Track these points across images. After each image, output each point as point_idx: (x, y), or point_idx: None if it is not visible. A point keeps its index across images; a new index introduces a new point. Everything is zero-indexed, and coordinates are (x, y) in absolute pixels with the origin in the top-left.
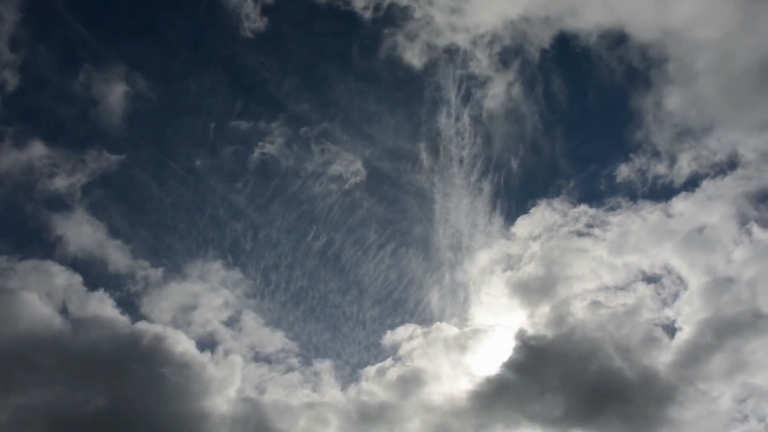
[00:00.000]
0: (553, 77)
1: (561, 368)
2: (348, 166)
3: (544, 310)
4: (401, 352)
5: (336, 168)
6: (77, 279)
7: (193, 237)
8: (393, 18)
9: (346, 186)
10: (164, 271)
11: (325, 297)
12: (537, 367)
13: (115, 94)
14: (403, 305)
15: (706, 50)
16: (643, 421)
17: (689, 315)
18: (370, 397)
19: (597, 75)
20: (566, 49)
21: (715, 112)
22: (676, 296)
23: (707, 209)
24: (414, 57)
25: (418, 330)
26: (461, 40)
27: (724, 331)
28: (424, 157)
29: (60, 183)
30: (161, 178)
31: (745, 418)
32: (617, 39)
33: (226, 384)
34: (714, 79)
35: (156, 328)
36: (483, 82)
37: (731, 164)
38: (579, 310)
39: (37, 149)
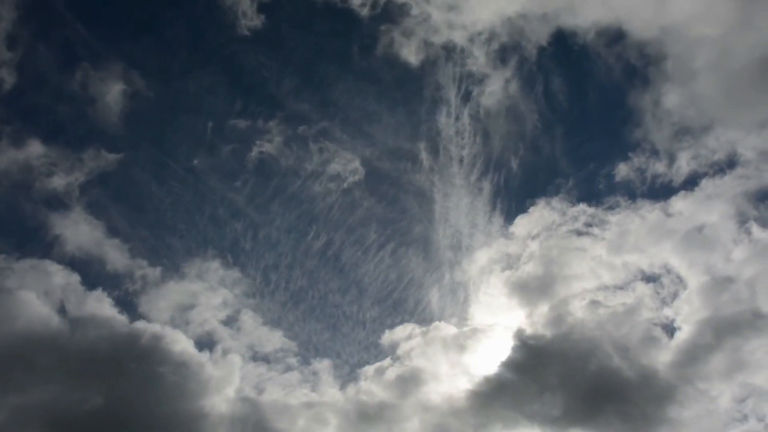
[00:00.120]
0: (551, 75)
1: (560, 368)
2: (347, 165)
3: (543, 309)
4: (400, 351)
5: (334, 167)
6: (75, 278)
7: (191, 236)
8: (390, 15)
9: (345, 185)
10: (162, 270)
11: (324, 297)
12: (536, 366)
13: (112, 93)
14: (402, 305)
15: (704, 48)
16: (643, 421)
17: (688, 314)
18: (368, 397)
19: (595, 73)
20: (564, 47)
21: (714, 110)
22: (675, 296)
23: (706, 208)
24: (411, 54)
25: (417, 329)
26: (458, 38)
27: (724, 330)
28: (424, 156)
29: (58, 182)
30: (159, 177)
31: (744, 418)
32: (615, 36)
33: (224, 383)
34: (713, 78)
35: (154, 328)
36: (480, 80)
37: (730, 163)
38: (578, 310)
39: (35, 148)
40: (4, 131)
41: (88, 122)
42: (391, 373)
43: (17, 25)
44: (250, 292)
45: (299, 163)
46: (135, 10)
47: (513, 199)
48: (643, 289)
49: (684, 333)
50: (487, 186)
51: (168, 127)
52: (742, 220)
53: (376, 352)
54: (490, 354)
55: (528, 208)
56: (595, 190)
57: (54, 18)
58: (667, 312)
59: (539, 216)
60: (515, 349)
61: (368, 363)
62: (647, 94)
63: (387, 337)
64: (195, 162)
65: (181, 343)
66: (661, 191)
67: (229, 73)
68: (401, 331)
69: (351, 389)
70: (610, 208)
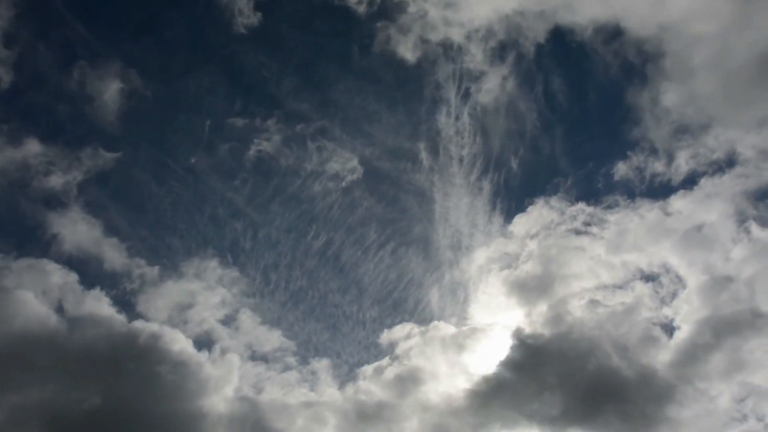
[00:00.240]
0: (549, 73)
1: (559, 367)
2: (345, 163)
3: (542, 308)
4: (398, 351)
5: (334, 166)
6: (73, 277)
7: (189, 235)
8: (387, 12)
9: (344, 184)
10: (160, 269)
11: (323, 296)
12: (535, 366)
13: (110, 92)
14: (402, 305)
15: (703, 46)
16: (642, 420)
17: (688, 314)
18: (367, 397)
19: (594, 71)
20: (562, 44)
21: (712, 109)
22: (674, 295)
23: (705, 207)
24: (407, 51)
25: (416, 329)
26: (456, 35)
27: (723, 330)
28: (424, 156)
29: (56, 181)
30: (158, 176)
31: (744, 418)
32: (613, 33)
33: (223, 383)
34: (711, 76)
35: (152, 327)
36: (478, 77)
37: (729, 162)
38: (577, 309)
39: (33, 147)
40: (1, 130)
41: (86, 121)
42: (390, 373)
43: (15, 23)
44: (248, 292)
45: (299, 162)
46: (133, 9)
47: (512, 199)
48: (642, 288)
49: (683, 332)
50: (486, 186)
51: (166, 126)
52: (741, 220)
53: (374, 351)
54: (488, 353)
55: (527, 207)
56: (594, 189)
57: (50, 16)
58: (667, 311)
59: (538, 215)
60: (514, 348)
61: (367, 362)
62: (646, 92)
63: (386, 336)
64: (193, 161)
65: (180, 343)
66: (660, 190)
67: (227, 71)
68: (400, 331)
69: (350, 389)
70: (609, 207)
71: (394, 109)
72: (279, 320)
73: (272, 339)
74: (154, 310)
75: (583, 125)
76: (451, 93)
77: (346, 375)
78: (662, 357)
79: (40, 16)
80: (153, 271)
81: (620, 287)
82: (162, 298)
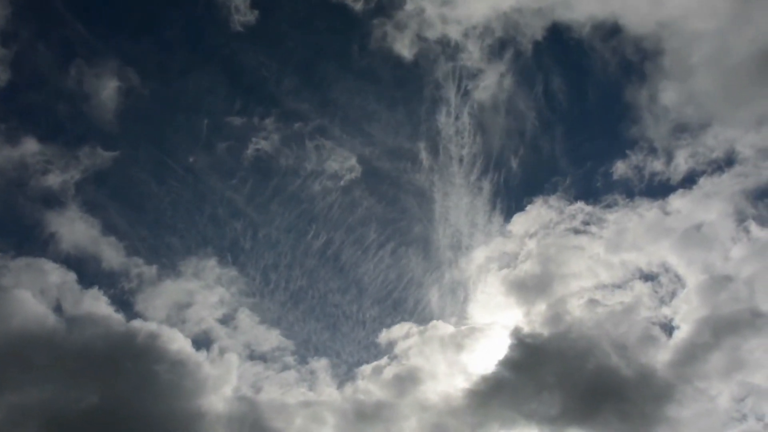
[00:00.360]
0: (547, 71)
1: (558, 366)
2: (343, 162)
3: (541, 308)
4: (397, 350)
5: (332, 165)
6: (71, 277)
7: (187, 234)
8: (385, 10)
9: (343, 183)
10: (158, 268)
11: (322, 296)
12: (533, 365)
13: (107, 90)
14: (402, 304)
15: (701, 43)
16: (641, 420)
17: (687, 313)
18: (366, 396)
19: (592, 69)
20: (559, 41)
21: (712, 107)
22: (673, 294)
23: (705, 207)
24: (404, 48)
25: (414, 328)
26: (453, 32)
27: (722, 329)
28: (424, 156)
29: (53, 180)
30: (155, 174)
31: (743, 417)
32: (611, 31)
33: (221, 382)
34: (710, 74)
35: (151, 326)
36: (475, 75)
37: (729, 161)
38: (576, 308)
39: (31, 146)
40: None
41: (84, 120)
42: (389, 372)
43: (13, 22)
44: (246, 291)
45: (298, 162)
46: (131, 7)
47: (511, 198)
48: (641, 287)
49: (682, 332)
50: (486, 185)
51: (164, 125)
52: (741, 219)
53: (373, 351)
54: (487, 353)
55: (525, 206)
56: (593, 188)
57: (49, 15)
58: (666, 311)
59: (537, 214)
60: (513, 348)
61: (366, 362)
62: (644, 90)
63: (384, 336)
64: (191, 160)
65: (178, 342)
66: (659, 189)
67: (224, 69)
68: (398, 330)
69: (348, 388)
70: (608, 206)
71: (394, 108)
72: (277, 320)
73: (271, 338)
74: (153, 310)
75: (581, 124)
76: (451, 92)
77: (345, 374)
78: (661, 356)
79: (38, 14)
80: (151, 271)
81: (619, 287)
82: (160, 298)
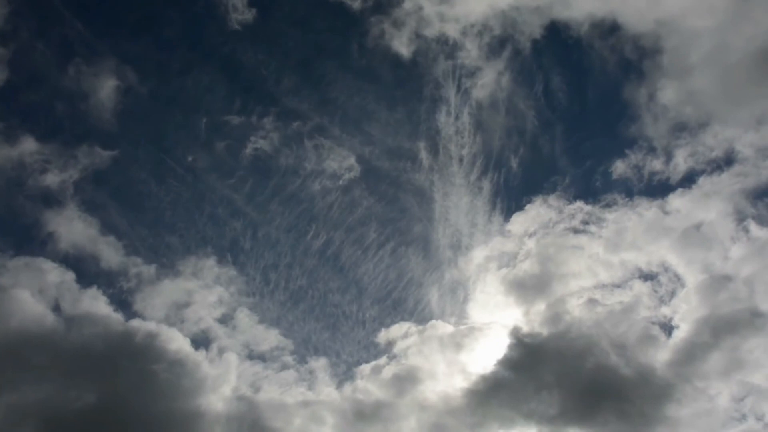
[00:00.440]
0: (545, 70)
1: (557, 366)
2: (342, 162)
3: (540, 307)
4: (396, 350)
5: (330, 164)
6: (70, 276)
7: (186, 233)
8: (382, 7)
9: (342, 182)
10: (157, 267)
11: (322, 295)
12: (532, 364)
13: (106, 89)
14: (402, 304)
15: (700, 41)
16: (640, 419)
17: (686, 313)
18: (365, 396)
19: (591, 67)
20: (558, 40)
21: (711, 106)
22: (673, 294)
23: (704, 206)
24: (402, 46)
25: (413, 328)
26: (451, 30)
27: (722, 329)
28: (424, 155)
29: (52, 179)
30: (154, 173)
31: (743, 417)
32: (609, 29)
33: (220, 382)
34: (709, 72)
35: (149, 326)
36: (473, 73)
37: (728, 160)
38: (575, 308)
39: (29, 145)
40: None
41: (83, 119)
42: (388, 372)
43: (11, 20)
44: (245, 290)
45: (297, 161)
46: (129, 6)
47: (511, 198)
48: (640, 287)
49: (682, 331)
50: (486, 185)
51: (162, 123)
52: (740, 218)
53: (373, 351)
54: (486, 352)
55: (525, 205)
56: (592, 188)
57: (48, 14)
58: (665, 310)
59: (536, 214)
60: (512, 347)
61: (364, 361)
62: (643, 88)
63: (383, 335)
64: (190, 159)
65: (177, 342)
66: (658, 189)
67: (222, 68)
68: (397, 330)
69: (347, 388)
70: (607, 205)
71: (393, 108)
72: (276, 319)
73: (270, 338)
74: (151, 309)
75: (581, 123)
76: (451, 92)
77: (344, 374)
78: (661, 356)
79: (37, 13)
80: (150, 270)
81: (618, 286)
82: (159, 297)
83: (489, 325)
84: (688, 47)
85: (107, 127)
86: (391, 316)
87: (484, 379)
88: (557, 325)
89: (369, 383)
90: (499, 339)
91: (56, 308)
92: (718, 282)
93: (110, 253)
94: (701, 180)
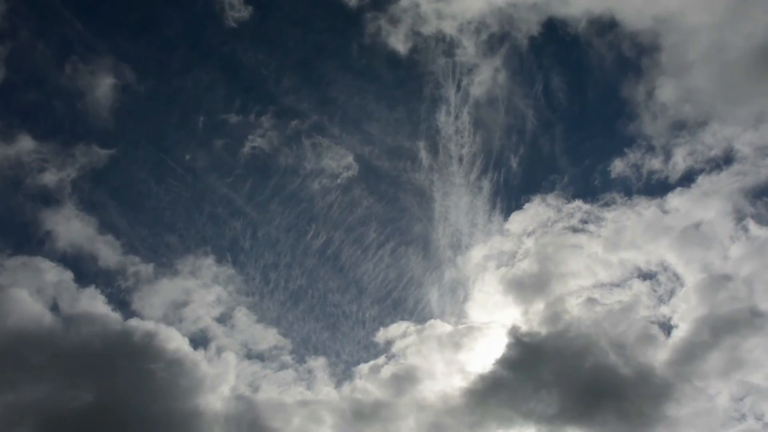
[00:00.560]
0: (543, 67)
1: (556, 365)
2: (340, 160)
3: (539, 307)
4: (394, 349)
5: (329, 163)
6: (68, 275)
7: (184, 232)
8: (379, 5)
9: (338, 181)
10: (155, 267)
11: (321, 295)
12: (531, 364)
13: (103, 87)
14: (402, 304)
15: (698, 38)
16: (639, 419)
17: (685, 312)
18: (364, 395)
19: (589, 65)
20: (555, 37)
21: (709, 105)
22: (672, 293)
23: (703, 205)
24: (399, 43)
25: (412, 327)
26: (448, 28)
27: (721, 328)
28: (424, 155)
29: (49, 178)
30: (152, 172)
31: (742, 417)
32: (607, 26)
33: (219, 381)
34: (708, 70)
35: (148, 325)
36: (470, 70)
37: (727, 159)
38: (574, 307)
39: (26, 143)
40: None
41: (80, 118)
42: (386, 371)
43: (8, 19)
44: (243, 290)
45: (298, 161)
46: (127, 4)
47: (510, 197)
48: (639, 286)
49: (681, 331)
50: (486, 184)
51: (161, 122)
52: (739, 217)
53: (372, 350)
54: (485, 352)
55: (523, 204)
56: (591, 187)
57: (46, 12)
58: (664, 310)
59: (534, 213)
60: (510, 346)
61: (363, 361)
62: (641, 86)
63: (381, 335)
64: (188, 158)
65: (175, 341)
66: (657, 187)
67: (219, 66)
68: (396, 329)
69: (346, 387)
70: (606, 204)
71: (393, 107)
72: (275, 319)
73: (268, 337)
74: (149, 308)
75: (579, 121)
76: (451, 91)
77: (343, 374)
78: (660, 355)
79: (34, 12)
80: (148, 269)
81: (617, 285)
82: (157, 296)
83: (488, 325)
84: (686, 44)
85: (105, 126)
86: (391, 315)
87: (483, 378)
88: (556, 325)
89: (368, 383)
90: (497, 338)
91: (54, 307)
92: (717, 281)
93: (108, 253)
94: (700, 179)
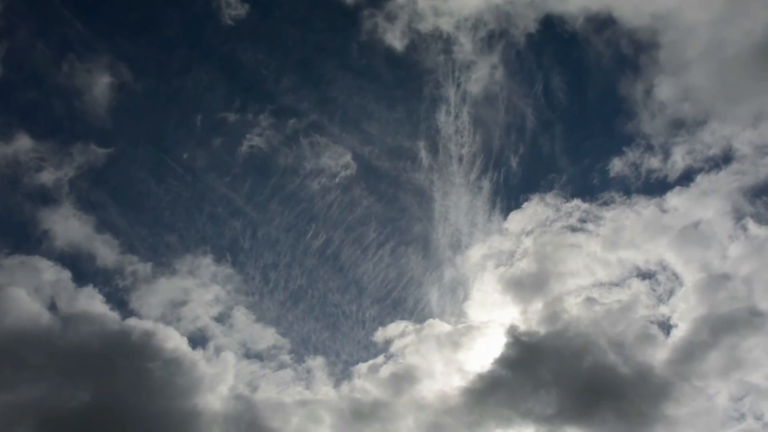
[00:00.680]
0: (541, 65)
1: (554, 365)
2: (338, 159)
3: (537, 306)
4: (393, 349)
5: (327, 162)
6: (66, 274)
7: (182, 232)
8: (377, 2)
9: (337, 180)
10: (153, 266)
11: (321, 295)
12: (530, 363)
13: (101, 86)
14: (402, 304)
15: (697, 35)
16: (638, 419)
17: (685, 312)
18: (362, 395)
19: (587, 63)
20: (553, 34)
21: (708, 103)
22: (671, 293)
23: (702, 204)
24: (395, 40)
25: (410, 327)
26: (445, 25)
27: (720, 328)
28: (423, 155)
29: (47, 176)
30: (150, 171)
31: (742, 417)
32: (605, 23)
33: (217, 381)
34: (706, 68)
35: (146, 324)
36: (468, 67)
37: (726, 158)
38: (572, 307)
39: (24, 142)
40: None
41: (78, 117)
42: (385, 371)
43: (7, 17)
44: (241, 289)
45: (298, 161)
46: (126, 4)
47: (510, 196)
48: (638, 285)
49: (680, 330)
50: (486, 184)
51: (159, 121)
52: (738, 217)
53: (372, 350)
54: (484, 351)
55: (522, 203)
56: (590, 186)
57: (44, 11)
58: (663, 309)
59: (533, 212)
60: (509, 346)
61: (362, 360)
62: (640, 84)
63: (380, 334)
64: (185, 156)
65: (173, 340)
66: (656, 187)
67: (217, 65)
68: (394, 329)
69: (345, 387)
70: (605, 203)
71: (393, 107)
72: (273, 318)
73: (267, 337)
74: (148, 308)
75: (577, 120)
76: (451, 91)
77: (341, 373)
78: (659, 355)
79: (33, 11)
80: (146, 268)
81: (616, 285)
82: (155, 296)
83: (486, 324)
84: (685, 42)
85: (103, 125)
86: (391, 315)
87: (482, 378)
88: (555, 324)
89: (366, 382)
90: (496, 338)
91: (52, 307)
92: (716, 281)
93: (106, 252)
94: (699, 178)
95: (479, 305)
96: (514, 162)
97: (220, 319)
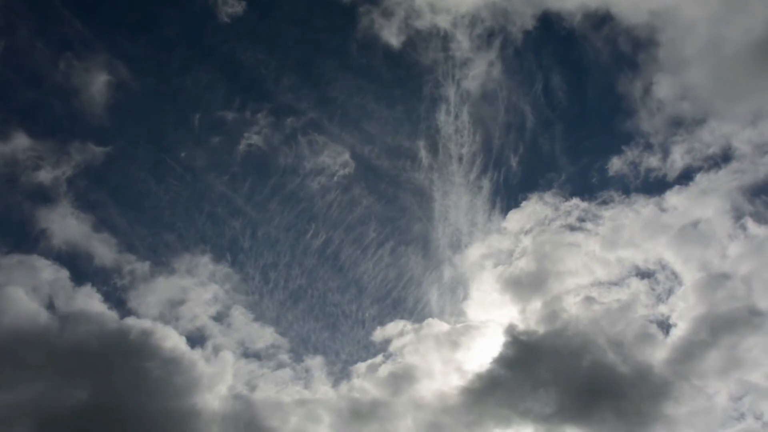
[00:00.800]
0: (538, 62)
1: (553, 364)
2: (336, 158)
3: (536, 305)
4: (392, 348)
5: (325, 161)
6: (64, 273)
7: (180, 230)
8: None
9: (335, 179)
10: (151, 265)
11: (320, 294)
12: (529, 363)
13: (98, 85)
14: (401, 303)
15: (696, 33)
16: (637, 418)
17: (684, 311)
18: (361, 394)
19: (585, 61)
20: (550, 31)
21: (707, 101)
22: (670, 292)
23: (701, 203)
24: (392, 36)
25: (409, 326)
26: (442, 22)
27: (720, 327)
28: (423, 154)
29: (45, 175)
30: (148, 170)
31: (741, 416)
32: (603, 20)
33: (216, 380)
34: (705, 65)
35: (144, 323)
36: (464, 64)
37: (725, 157)
38: (571, 306)
39: (21, 141)
40: None
41: (76, 116)
42: (384, 371)
43: (5, 16)
44: (239, 288)
45: (297, 160)
46: (126, 3)
47: (510, 196)
48: (637, 285)
49: (679, 330)
50: (486, 184)
51: (157, 120)
52: (738, 216)
53: (371, 349)
54: (482, 351)
55: (520, 202)
56: (589, 185)
57: (42, 10)
58: (663, 308)
59: (532, 211)
60: (507, 345)
61: (361, 360)
62: (638, 82)
63: (379, 333)
64: (183, 155)
65: (172, 339)
66: (655, 186)
67: (214, 63)
68: (393, 328)
69: (343, 386)
70: (604, 202)
71: (393, 106)
72: (272, 317)
73: (265, 336)
74: (146, 307)
75: (576, 119)
76: (450, 90)
77: (340, 372)
78: (658, 354)
79: (32, 10)
80: (144, 267)
81: (615, 284)
82: (153, 295)
83: (485, 323)
84: (683, 39)
85: (101, 124)
86: (390, 315)
87: (480, 377)
88: (553, 323)
89: (365, 382)
90: (495, 337)
91: (50, 306)
92: (715, 280)
93: (104, 251)
94: (698, 177)
95: (478, 305)
96: (513, 161)
97: (219, 318)
